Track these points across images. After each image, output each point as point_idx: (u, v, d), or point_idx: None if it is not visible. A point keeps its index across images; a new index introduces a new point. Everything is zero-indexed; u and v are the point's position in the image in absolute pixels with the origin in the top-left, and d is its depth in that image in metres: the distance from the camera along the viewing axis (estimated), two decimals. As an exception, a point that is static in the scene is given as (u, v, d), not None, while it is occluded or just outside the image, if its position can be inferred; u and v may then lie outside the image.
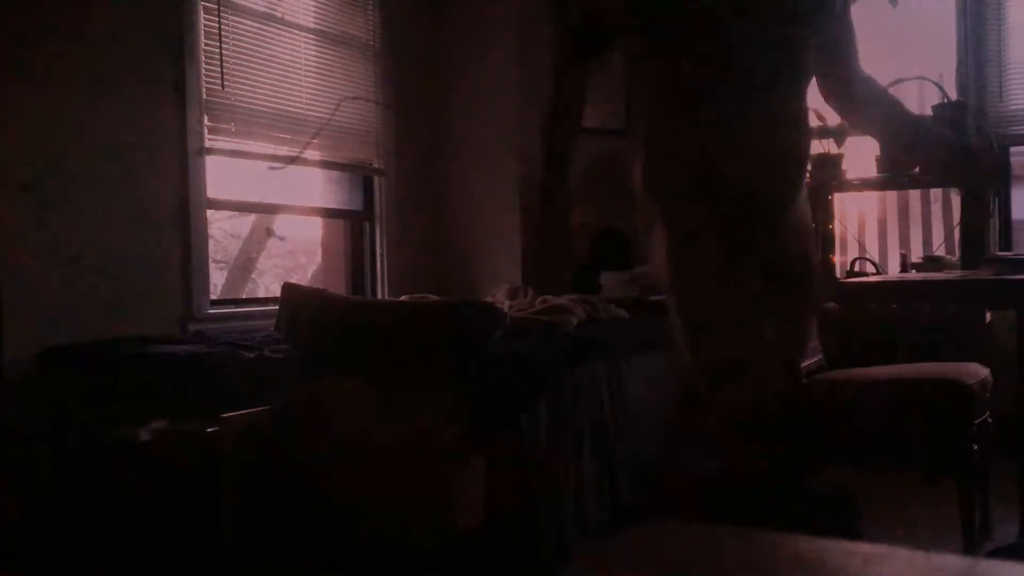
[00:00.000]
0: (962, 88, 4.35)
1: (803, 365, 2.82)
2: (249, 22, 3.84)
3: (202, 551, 2.39)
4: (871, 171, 4.46)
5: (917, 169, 4.28)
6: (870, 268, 4.64)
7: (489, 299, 3.86)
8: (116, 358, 2.84)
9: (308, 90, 4.12)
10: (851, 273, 4.57)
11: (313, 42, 4.18)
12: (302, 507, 2.49)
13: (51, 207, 3.13)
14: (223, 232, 7.68)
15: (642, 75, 2.09)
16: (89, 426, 2.61)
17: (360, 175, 4.53)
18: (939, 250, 4.82)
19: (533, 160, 4.52)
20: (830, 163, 4.52)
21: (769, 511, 1.84)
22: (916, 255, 4.88)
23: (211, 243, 4.25)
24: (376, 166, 4.54)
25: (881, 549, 0.72)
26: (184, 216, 3.55)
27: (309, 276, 7.81)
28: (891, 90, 4.44)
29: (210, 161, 3.66)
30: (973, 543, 2.64)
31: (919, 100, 4.72)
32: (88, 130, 3.25)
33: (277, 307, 3.12)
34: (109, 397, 2.68)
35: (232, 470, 2.37)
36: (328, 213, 4.57)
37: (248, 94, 3.82)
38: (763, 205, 2.00)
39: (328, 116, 4.23)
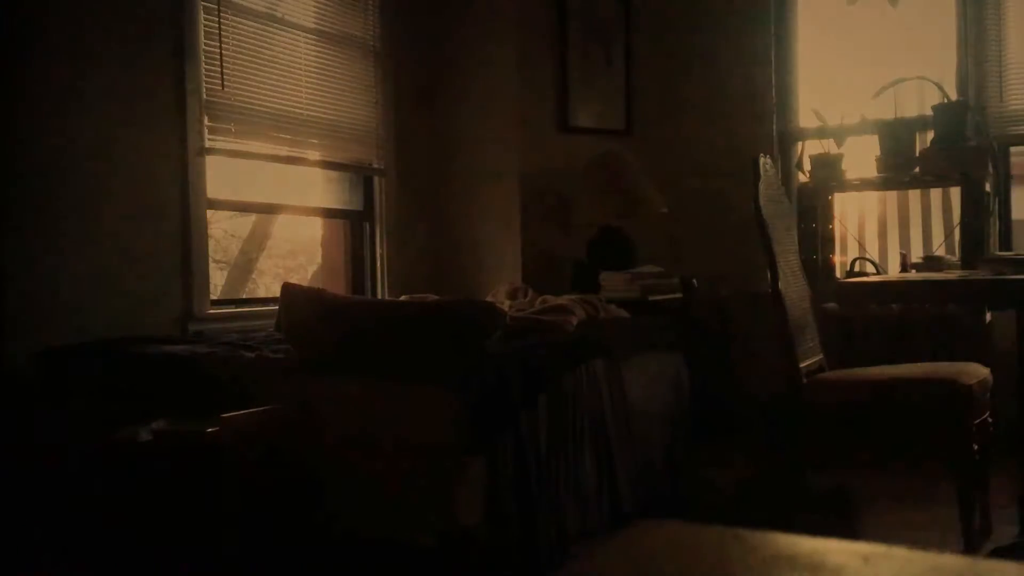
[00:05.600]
0: (962, 88, 4.35)
1: (803, 365, 2.83)
2: (249, 22, 3.84)
3: (202, 552, 2.39)
4: (871, 171, 4.46)
5: (917, 169, 4.28)
6: (870, 268, 4.63)
7: (489, 299, 3.86)
8: (116, 358, 2.84)
9: (308, 90, 4.12)
10: (851, 273, 4.57)
11: (313, 42, 4.18)
12: (302, 507, 2.49)
13: (50, 206, 3.14)
14: (223, 232, 7.70)
15: None
16: (89, 426, 2.61)
17: (360, 175, 4.54)
18: (939, 250, 4.82)
19: (533, 159, 4.55)
20: (830, 163, 4.53)
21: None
22: (916, 255, 4.88)
23: (211, 243, 4.25)
24: (376, 166, 4.54)
25: (880, 549, 0.72)
26: (184, 216, 3.55)
27: (309, 276, 7.82)
28: (891, 90, 4.46)
29: (210, 161, 3.66)
30: (973, 543, 2.63)
31: (919, 100, 4.73)
32: (88, 129, 3.25)
33: (277, 307, 3.12)
34: (109, 397, 2.68)
35: (232, 470, 2.37)
36: (328, 213, 4.57)
37: (248, 94, 3.82)
38: None
39: (328, 116, 4.23)
